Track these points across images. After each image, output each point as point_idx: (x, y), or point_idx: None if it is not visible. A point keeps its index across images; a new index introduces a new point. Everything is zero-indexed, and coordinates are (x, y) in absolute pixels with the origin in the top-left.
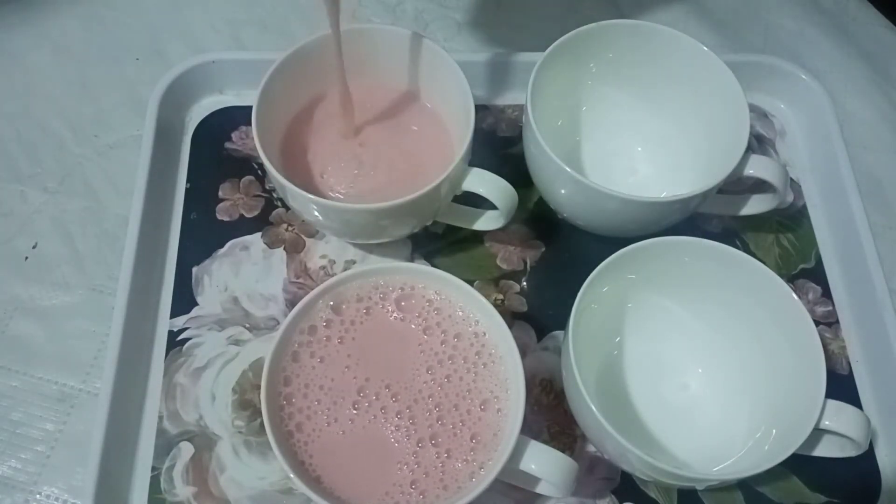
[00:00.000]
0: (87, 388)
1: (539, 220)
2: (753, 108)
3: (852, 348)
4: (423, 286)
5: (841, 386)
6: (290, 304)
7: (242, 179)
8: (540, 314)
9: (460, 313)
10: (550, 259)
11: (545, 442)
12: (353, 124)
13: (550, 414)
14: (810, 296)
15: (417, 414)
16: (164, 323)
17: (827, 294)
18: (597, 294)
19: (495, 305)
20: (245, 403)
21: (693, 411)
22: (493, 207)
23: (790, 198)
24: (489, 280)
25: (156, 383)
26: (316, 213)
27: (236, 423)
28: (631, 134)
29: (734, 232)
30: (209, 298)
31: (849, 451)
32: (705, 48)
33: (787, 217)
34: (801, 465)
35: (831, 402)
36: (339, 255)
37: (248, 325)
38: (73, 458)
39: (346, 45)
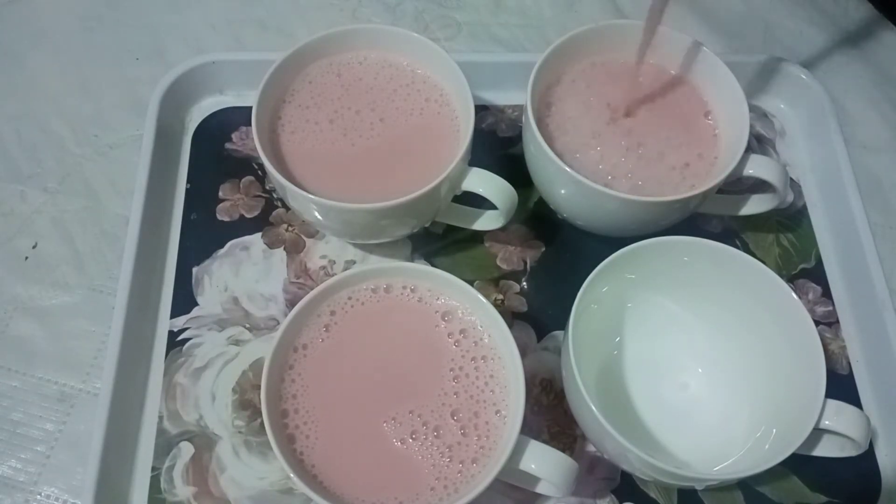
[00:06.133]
0: (87, 388)
1: (539, 220)
2: (753, 108)
3: (852, 348)
4: (423, 286)
5: (841, 386)
6: (290, 304)
7: (242, 180)
8: (540, 314)
9: (460, 313)
10: (550, 259)
11: (545, 442)
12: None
13: (550, 414)
14: (810, 296)
15: (417, 413)
16: (164, 323)
17: (827, 294)
18: (597, 294)
19: (495, 305)
20: (245, 403)
21: (693, 411)
22: (493, 207)
23: (790, 198)
24: (489, 280)
25: (156, 383)
26: (316, 213)
27: (236, 423)
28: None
29: (734, 232)
30: (209, 298)
31: (849, 451)
32: (705, 48)
33: (787, 217)
34: (801, 465)
35: (831, 402)
36: (339, 255)
37: (248, 325)
38: (73, 458)
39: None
